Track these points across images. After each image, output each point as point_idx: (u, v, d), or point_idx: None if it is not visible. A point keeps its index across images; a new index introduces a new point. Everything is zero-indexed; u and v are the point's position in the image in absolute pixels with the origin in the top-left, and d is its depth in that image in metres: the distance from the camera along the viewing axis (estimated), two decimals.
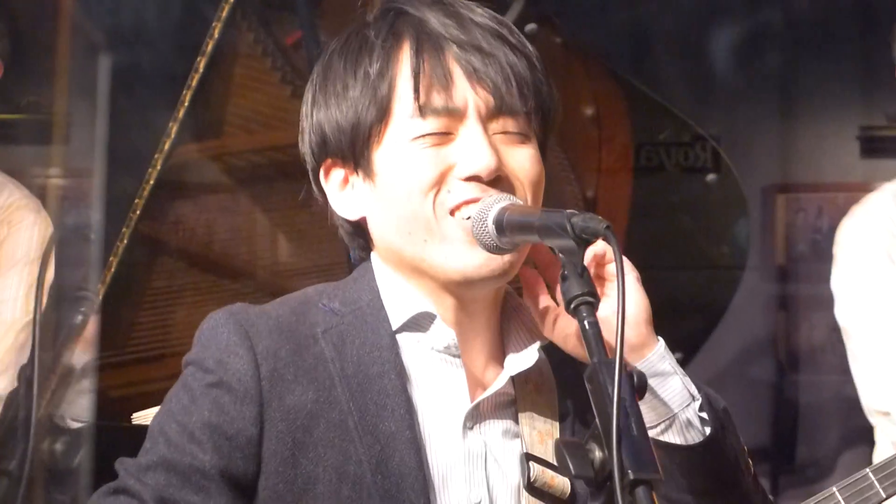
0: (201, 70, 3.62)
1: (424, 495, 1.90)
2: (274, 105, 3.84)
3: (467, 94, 1.94)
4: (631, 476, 1.58)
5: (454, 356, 1.98)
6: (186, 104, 3.60)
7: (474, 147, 1.92)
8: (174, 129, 3.58)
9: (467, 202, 1.92)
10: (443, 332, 1.97)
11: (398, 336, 1.99)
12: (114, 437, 3.06)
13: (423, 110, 1.93)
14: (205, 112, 3.72)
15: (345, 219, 2.03)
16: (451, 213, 1.93)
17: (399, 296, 2.00)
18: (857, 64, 5.90)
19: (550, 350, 2.01)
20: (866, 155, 5.87)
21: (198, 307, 3.66)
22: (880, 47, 5.43)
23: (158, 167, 3.55)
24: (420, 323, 1.98)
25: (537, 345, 1.98)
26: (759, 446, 5.83)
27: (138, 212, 3.53)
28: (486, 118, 1.94)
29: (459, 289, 1.97)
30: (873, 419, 3.50)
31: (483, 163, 1.91)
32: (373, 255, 2.05)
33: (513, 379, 2.00)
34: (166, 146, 3.56)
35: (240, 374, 1.92)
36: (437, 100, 1.93)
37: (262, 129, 3.87)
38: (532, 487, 1.86)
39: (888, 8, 5.10)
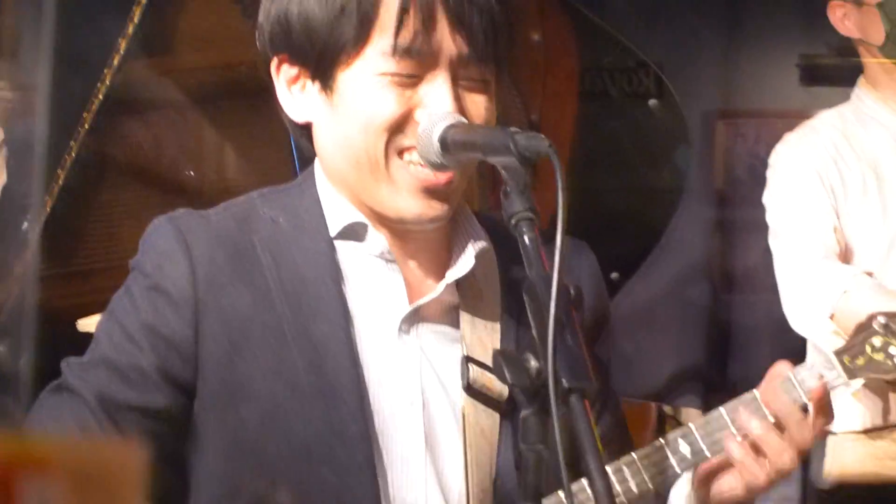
0: None
1: (358, 395, 1.95)
2: (224, 24, 3.81)
3: (444, 42, 1.91)
4: (565, 384, 1.59)
5: (390, 261, 2.01)
6: (136, 20, 3.58)
7: (440, 98, 1.91)
8: (123, 44, 3.55)
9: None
10: (376, 239, 2.00)
11: (337, 243, 2.02)
12: (58, 342, 3.06)
13: (398, 50, 1.90)
14: (155, 29, 3.69)
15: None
16: (400, 154, 1.93)
17: (337, 206, 2.02)
18: None
19: (500, 252, 2.04)
20: (806, 83, 5.90)
21: (144, 221, 3.63)
22: None
23: (107, 83, 3.53)
24: (356, 231, 2.01)
25: (474, 252, 2.01)
26: (691, 365, 5.92)
27: (86, 126, 3.51)
28: (457, 66, 1.93)
29: (395, 224, 1.99)
30: (791, 315, 3.56)
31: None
32: (316, 162, 2.06)
33: (458, 285, 2.03)
34: (115, 62, 3.54)
35: (174, 278, 1.96)
36: (416, 43, 1.90)
37: (211, 48, 3.85)
38: (470, 389, 1.92)
39: None
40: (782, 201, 3.60)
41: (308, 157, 2.10)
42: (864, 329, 1.97)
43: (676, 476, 2.01)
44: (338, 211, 2.02)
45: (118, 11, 3.67)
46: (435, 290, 2.00)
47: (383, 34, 1.91)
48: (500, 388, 1.94)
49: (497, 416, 1.99)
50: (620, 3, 5.78)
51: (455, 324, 2.04)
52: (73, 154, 3.48)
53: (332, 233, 2.01)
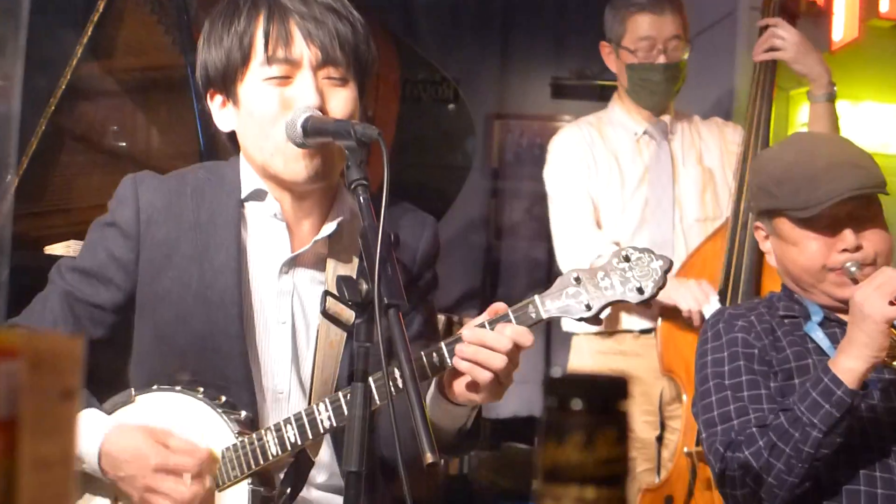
0: (101, 9, 3.57)
1: (239, 308, 1.96)
2: (151, 37, 3.80)
3: (303, 50, 1.93)
4: (385, 301, 1.63)
5: (280, 220, 2.02)
6: (90, 33, 3.56)
7: (305, 89, 1.92)
8: (79, 50, 3.53)
9: None
10: (271, 202, 2.01)
11: (248, 203, 2.03)
12: (28, 264, 3.05)
13: (270, 59, 1.93)
14: (102, 39, 3.67)
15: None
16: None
17: (251, 177, 2.03)
18: (551, 32, 6.09)
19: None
20: (555, 97, 6.05)
21: (94, 176, 3.65)
22: (567, 21, 5.62)
23: (68, 77, 3.51)
24: (259, 195, 2.02)
25: (336, 221, 2.01)
26: (473, 288, 6.06)
27: (52, 108, 3.50)
28: (317, 67, 1.93)
29: (291, 187, 1.99)
30: (562, 264, 3.49)
31: (310, 101, 1.91)
32: (241, 154, 2.07)
33: (330, 242, 2.02)
34: (74, 62, 3.52)
35: (125, 217, 2.00)
36: (280, 52, 1.93)
37: (142, 54, 3.83)
38: (326, 314, 1.87)
39: None
40: (555, 178, 3.59)
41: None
42: (566, 280, 1.86)
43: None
44: (250, 180, 2.03)
45: (76, 24, 3.64)
46: (307, 245, 2.02)
47: (258, 52, 1.94)
48: (348, 315, 1.85)
49: (344, 334, 1.97)
50: (432, 34, 5.88)
51: (323, 269, 2.02)
52: (43, 127, 3.46)
53: (243, 193, 2.02)
